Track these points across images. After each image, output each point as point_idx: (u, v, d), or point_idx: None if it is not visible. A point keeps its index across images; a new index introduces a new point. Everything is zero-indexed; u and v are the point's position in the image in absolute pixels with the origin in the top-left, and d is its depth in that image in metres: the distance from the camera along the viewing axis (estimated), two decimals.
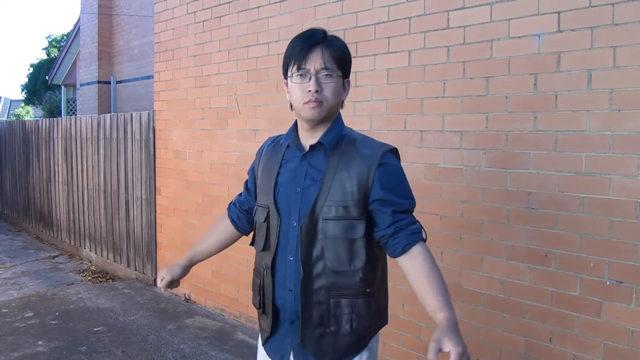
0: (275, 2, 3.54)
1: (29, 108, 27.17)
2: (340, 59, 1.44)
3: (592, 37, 2.14)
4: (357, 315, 1.43)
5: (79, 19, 12.30)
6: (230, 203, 1.79)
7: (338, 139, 1.46)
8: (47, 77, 16.30)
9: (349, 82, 1.49)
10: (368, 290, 1.44)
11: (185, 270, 1.78)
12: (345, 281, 1.42)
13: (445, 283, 1.32)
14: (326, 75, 1.41)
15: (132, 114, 5.11)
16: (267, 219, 1.50)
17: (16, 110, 28.61)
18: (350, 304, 1.43)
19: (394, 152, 1.48)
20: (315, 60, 1.40)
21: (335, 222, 1.40)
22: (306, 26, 3.26)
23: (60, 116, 10.99)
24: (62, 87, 15.35)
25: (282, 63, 1.48)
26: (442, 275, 1.33)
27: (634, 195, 2.06)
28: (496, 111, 2.45)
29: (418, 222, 1.43)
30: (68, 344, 3.54)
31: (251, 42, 3.74)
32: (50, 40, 24.21)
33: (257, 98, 3.72)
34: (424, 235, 1.41)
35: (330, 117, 1.46)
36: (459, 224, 2.60)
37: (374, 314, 1.48)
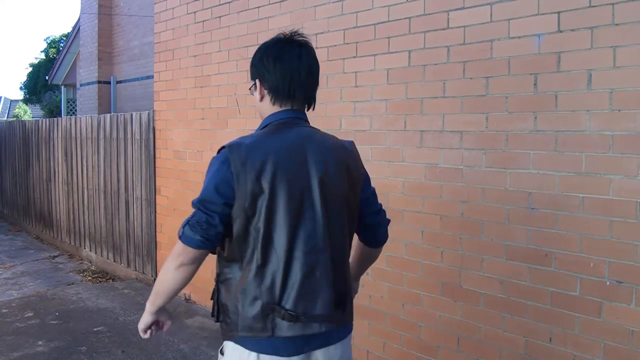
0: (275, 2, 3.54)
1: (26, 107, 27.13)
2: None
3: (592, 37, 2.14)
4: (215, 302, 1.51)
5: (78, 19, 12.30)
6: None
7: None
8: (47, 77, 16.30)
9: (256, 82, 1.52)
10: (215, 282, 1.51)
11: None
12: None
13: None
14: None
15: (132, 114, 5.11)
16: None
17: (14, 110, 28.57)
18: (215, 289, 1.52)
19: (219, 150, 1.44)
20: None
21: None
22: (306, 26, 3.28)
23: (60, 116, 11.00)
24: (62, 87, 15.35)
25: None
26: None
27: (634, 195, 2.06)
28: (496, 111, 2.45)
29: (192, 216, 1.39)
30: (68, 344, 3.54)
31: (251, 42, 3.74)
32: (49, 41, 24.18)
33: None
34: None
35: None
36: (459, 224, 2.60)
37: (220, 311, 1.50)
